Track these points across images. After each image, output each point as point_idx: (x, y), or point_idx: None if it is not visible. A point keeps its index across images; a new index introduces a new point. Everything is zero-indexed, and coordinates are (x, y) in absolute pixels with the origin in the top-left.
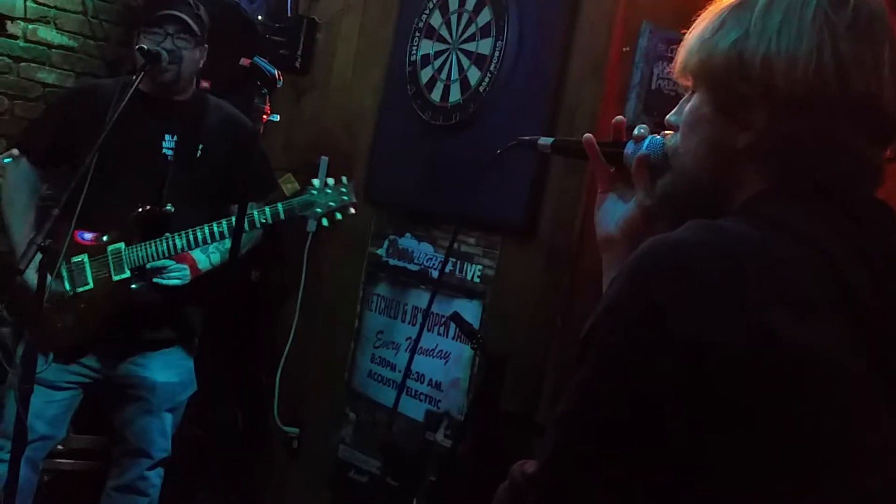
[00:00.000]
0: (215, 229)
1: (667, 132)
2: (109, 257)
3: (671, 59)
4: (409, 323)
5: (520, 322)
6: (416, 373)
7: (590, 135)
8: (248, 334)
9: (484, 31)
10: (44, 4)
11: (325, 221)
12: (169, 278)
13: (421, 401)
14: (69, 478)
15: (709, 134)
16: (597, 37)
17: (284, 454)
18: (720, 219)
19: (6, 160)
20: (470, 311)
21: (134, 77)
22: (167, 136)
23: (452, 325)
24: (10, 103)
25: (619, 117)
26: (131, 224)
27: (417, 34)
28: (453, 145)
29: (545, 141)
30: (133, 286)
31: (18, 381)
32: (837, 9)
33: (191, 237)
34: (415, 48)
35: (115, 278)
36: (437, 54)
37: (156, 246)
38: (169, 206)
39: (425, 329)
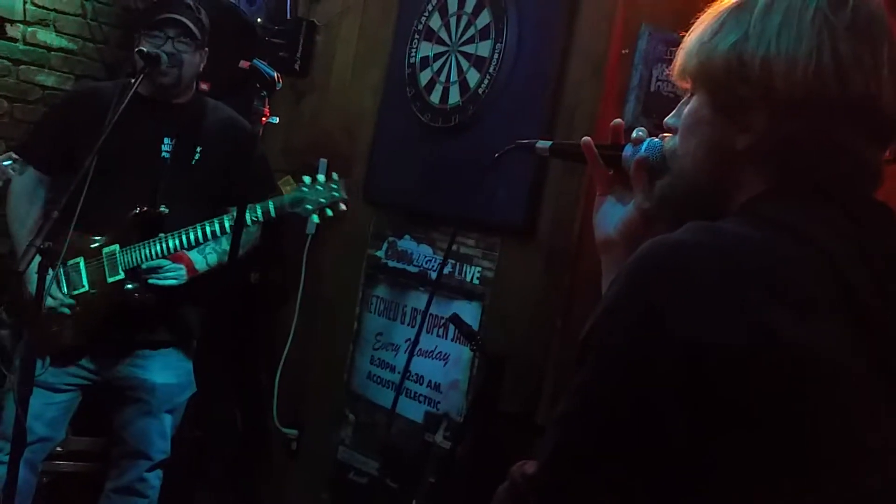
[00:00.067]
0: (207, 229)
1: (665, 135)
2: (104, 259)
3: (670, 61)
4: (408, 324)
5: (519, 323)
6: (416, 374)
7: (588, 138)
8: (247, 335)
9: (483, 34)
10: (43, 7)
11: (315, 218)
12: (165, 279)
13: (420, 402)
14: (68, 479)
15: (708, 136)
16: (596, 39)
17: (284, 455)
18: (719, 220)
19: (5, 163)
20: (469, 312)
21: (133, 80)
22: (166, 140)
23: (452, 327)
24: (9, 106)
25: (618, 120)
26: (126, 226)
27: (417, 36)
28: (452, 147)
29: (543, 144)
30: (128, 287)
31: (17, 384)
32: (836, 10)
33: (184, 237)
34: (414, 50)
35: (110, 280)
36: (437, 56)
37: (149, 247)
38: (163, 208)
39: (424, 330)
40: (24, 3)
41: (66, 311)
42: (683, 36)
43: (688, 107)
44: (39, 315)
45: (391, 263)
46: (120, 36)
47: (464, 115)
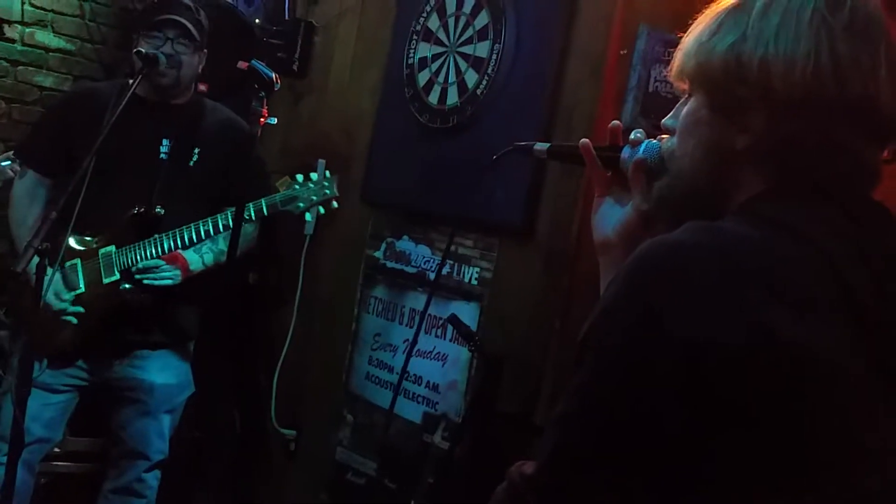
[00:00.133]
0: (201, 228)
1: (663, 136)
2: (100, 260)
3: (668, 62)
4: (406, 325)
5: (517, 324)
6: (414, 375)
7: (586, 140)
8: (245, 336)
9: (481, 34)
10: (41, 8)
11: (308, 216)
12: (160, 279)
13: (418, 403)
14: (66, 480)
15: (706, 136)
16: (594, 39)
17: (282, 456)
18: (718, 220)
19: (4, 163)
20: (467, 313)
21: (131, 81)
22: (164, 140)
23: (450, 327)
24: (7, 107)
25: (616, 122)
26: (122, 227)
27: (415, 37)
28: (451, 148)
29: (541, 146)
30: (123, 287)
31: (15, 385)
32: (834, 11)
33: (178, 237)
34: (412, 51)
35: (105, 281)
36: (435, 57)
37: (144, 247)
38: (159, 209)
39: (423, 331)
40: (23, 3)
41: (73, 319)
42: (682, 37)
43: (686, 108)
44: (37, 315)
45: (389, 264)
46: (118, 37)
47: (462, 116)
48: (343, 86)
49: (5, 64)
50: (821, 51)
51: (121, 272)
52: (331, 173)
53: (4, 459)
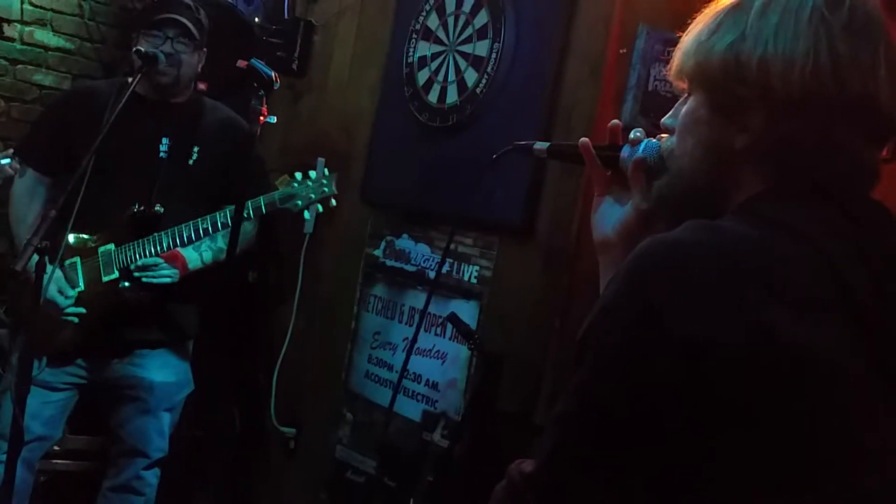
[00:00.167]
0: (200, 226)
1: (663, 135)
2: (100, 258)
3: (668, 61)
4: (406, 324)
5: (517, 322)
6: (413, 373)
7: (586, 139)
8: (245, 335)
9: (481, 33)
10: (40, 7)
11: (307, 214)
12: (158, 277)
13: (418, 401)
14: (65, 478)
15: (705, 136)
16: (594, 39)
17: (281, 454)
18: (718, 219)
19: (4, 161)
20: (467, 311)
21: (130, 79)
22: (164, 139)
23: (450, 326)
24: (6, 105)
25: (616, 121)
26: (122, 225)
27: (414, 36)
28: (450, 147)
29: (541, 146)
30: (123, 285)
31: (15, 383)
32: (833, 10)
33: (177, 235)
34: (412, 50)
35: (105, 279)
36: (434, 56)
37: (143, 245)
38: (159, 207)
39: (422, 329)
40: (22, 2)
41: (75, 319)
42: (681, 36)
43: (685, 107)
44: (37, 314)
45: (389, 262)
46: (117, 35)
47: (462, 115)
48: (342, 85)
49: (4, 62)
50: (820, 50)
51: (120, 270)
52: (330, 172)
53: (4, 457)
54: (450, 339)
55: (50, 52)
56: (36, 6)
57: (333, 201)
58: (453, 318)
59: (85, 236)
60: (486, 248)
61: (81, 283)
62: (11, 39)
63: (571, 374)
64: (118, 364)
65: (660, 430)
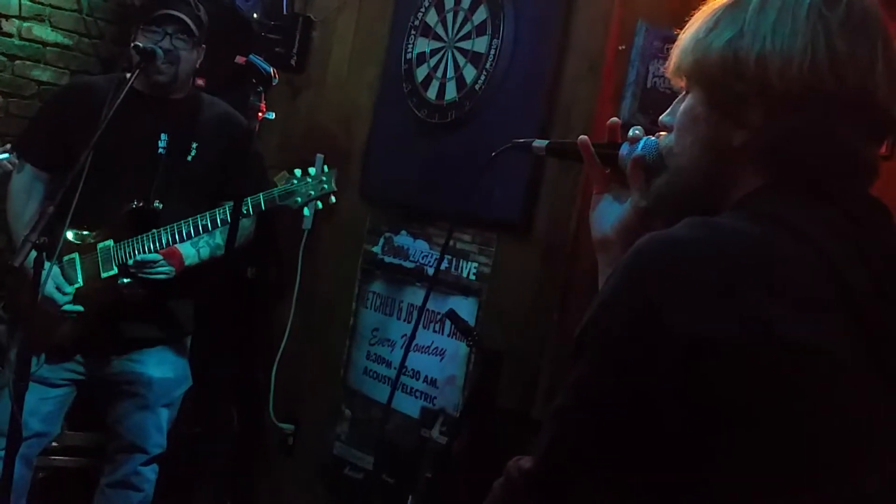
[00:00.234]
0: (199, 222)
1: (661, 133)
2: (98, 254)
3: (666, 58)
4: (404, 320)
5: (516, 319)
6: (412, 370)
7: (584, 137)
8: (243, 331)
9: (480, 29)
10: (39, 2)
11: (306, 211)
12: (154, 273)
13: (416, 398)
14: (63, 474)
15: (703, 133)
16: (593, 35)
17: (280, 451)
18: (717, 216)
19: (2, 157)
20: (466, 308)
21: (128, 75)
22: (163, 135)
23: (448, 322)
24: (4, 101)
25: (615, 119)
26: (121, 221)
27: (413, 32)
28: (449, 143)
29: (540, 143)
30: (121, 281)
31: (13, 379)
32: (831, 6)
33: (175, 231)
34: (410, 46)
35: (103, 275)
36: (433, 52)
37: (142, 242)
38: (157, 204)
39: (421, 326)
40: None
41: (73, 316)
42: (679, 33)
43: (683, 104)
44: (35, 310)
45: (387, 259)
46: (115, 31)
47: (460, 111)
48: (341, 81)
49: (3, 58)
50: (817, 46)
51: (119, 267)
52: (329, 168)
53: (2, 454)
54: (448, 335)
55: (48, 48)
56: (34, 2)
57: (333, 198)
58: (452, 315)
59: (83, 232)
60: (485, 244)
61: (80, 280)
62: (9, 35)
63: (569, 369)
64: (116, 360)
65: (658, 427)
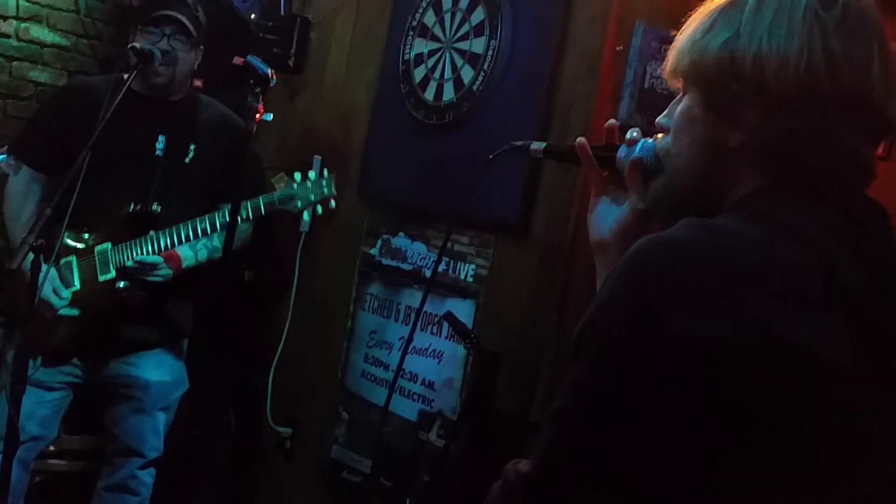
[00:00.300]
0: (198, 226)
1: (658, 134)
2: (96, 257)
3: (664, 58)
4: (402, 322)
5: (513, 321)
6: (410, 372)
7: (582, 139)
8: (241, 334)
9: (477, 30)
10: (36, 3)
11: (306, 215)
12: (152, 276)
13: (414, 400)
14: (60, 478)
15: (700, 134)
16: (591, 36)
17: (278, 454)
18: (715, 217)
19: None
20: (463, 310)
21: (126, 76)
22: (160, 137)
23: (446, 325)
24: (2, 102)
25: (612, 121)
26: (118, 224)
27: (411, 33)
28: (447, 144)
29: (537, 146)
30: (119, 285)
31: (10, 382)
32: (827, 7)
33: (174, 234)
34: (408, 47)
35: (101, 278)
36: (431, 53)
37: (140, 245)
38: (156, 206)
39: (418, 328)
40: None
41: (74, 313)
42: (676, 34)
43: (680, 105)
44: (32, 313)
45: (385, 261)
46: (113, 32)
47: (458, 112)
48: (339, 82)
49: (0, 59)
50: (814, 47)
51: (116, 270)
52: (328, 170)
53: None
54: (446, 337)
55: (46, 49)
56: (32, 2)
57: (333, 203)
58: (449, 317)
59: (81, 235)
60: (483, 246)
61: (77, 283)
62: (7, 36)
63: (568, 371)
64: (114, 363)
65: (657, 430)
